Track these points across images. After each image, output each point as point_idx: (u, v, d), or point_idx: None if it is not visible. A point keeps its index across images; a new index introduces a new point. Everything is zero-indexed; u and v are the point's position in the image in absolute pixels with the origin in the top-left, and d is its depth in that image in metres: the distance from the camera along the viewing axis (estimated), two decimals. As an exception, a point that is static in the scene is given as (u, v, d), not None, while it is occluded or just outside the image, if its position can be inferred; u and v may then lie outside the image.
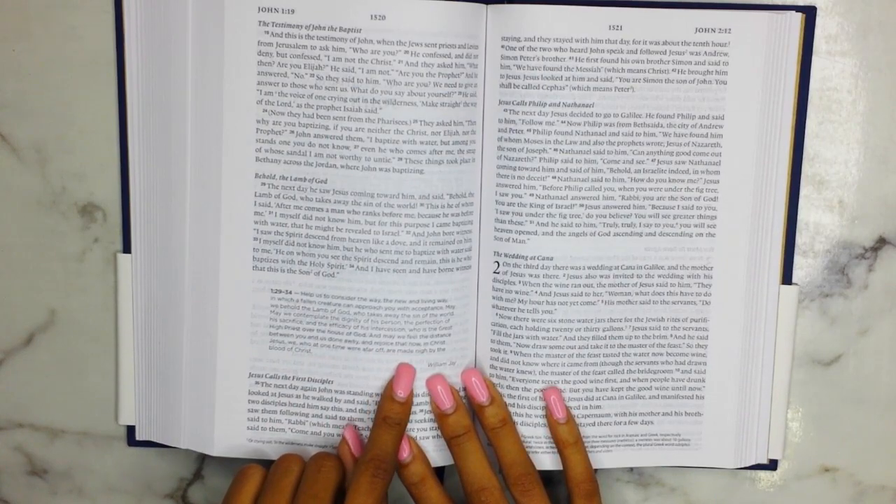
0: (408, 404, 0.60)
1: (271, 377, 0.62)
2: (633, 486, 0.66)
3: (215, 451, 0.63)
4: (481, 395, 0.61)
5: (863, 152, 0.61)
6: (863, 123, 0.61)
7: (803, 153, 0.61)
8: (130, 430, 0.65)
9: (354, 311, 0.61)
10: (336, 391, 0.62)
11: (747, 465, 0.63)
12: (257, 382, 0.62)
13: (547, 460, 0.62)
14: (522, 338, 0.61)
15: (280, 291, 0.61)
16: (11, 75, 0.62)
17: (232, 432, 0.62)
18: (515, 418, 0.62)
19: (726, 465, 0.63)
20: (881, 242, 0.62)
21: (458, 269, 0.61)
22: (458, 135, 0.59)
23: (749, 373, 0.62)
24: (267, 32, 0.58)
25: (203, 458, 0.66)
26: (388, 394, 0.60)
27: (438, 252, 0.60)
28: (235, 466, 0.65)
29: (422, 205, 0.59)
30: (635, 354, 0.62)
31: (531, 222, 0.60)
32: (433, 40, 0.58)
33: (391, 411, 0.60)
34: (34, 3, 0.61)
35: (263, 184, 0.60)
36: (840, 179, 0.62)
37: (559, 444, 0.61)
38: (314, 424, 0.62)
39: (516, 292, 0.61)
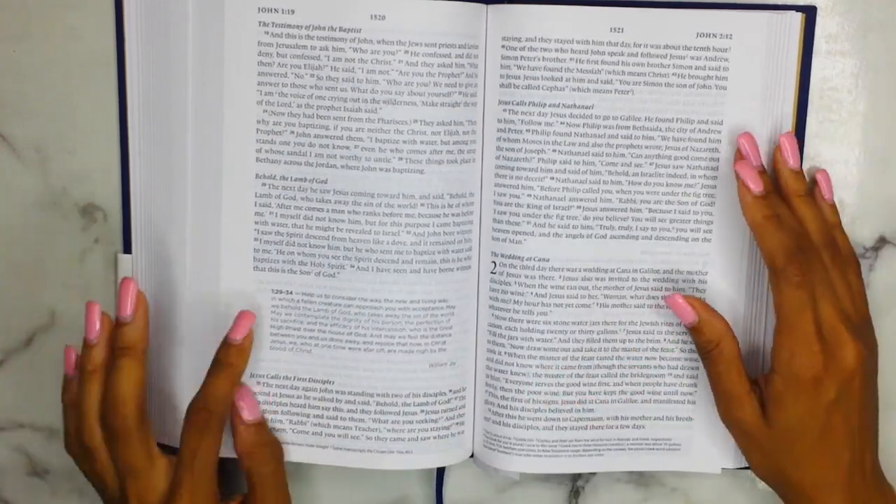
0: (244, 348, 0.61)
1: (272, 377, 0.63)
2: (633, 487, 0.67)
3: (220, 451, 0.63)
4: (790, 160, 0.60)
5: (863, 152, 0.62)
6: (863, 123, 0.62)
7: (804, 153, 0.61)
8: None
9: (355, 311, 0.62)
10: (337, 391, 0.63)
11: (747, 465, 0.63)
12: (258, 383, 0.63)
13: (546, 464, 0.63)
14: (517, 339, 0.62)
15: (281, 292, 0.62)
16: (11, 75, 0.63)
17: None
18: (508, 420, 0.63)
19: (715, 471, 0.64)
20: (882, 242, 0.63)
21: (458, 269, 0.62)
22: (458, 135, 0.60)
23: (750, 373, 0.63)
24: (267, 33, 0.59)
25: (203, 458, 0.67)
26: (225, 339, 0.61)
27: (439, 252, 0.61)
28: (236, 467, 0.66)
29: (422, 205, 0.60)
30: (629, 358, 0.63)
31: (528, 223, 0.61)
32: (433, 40, 0.59)
33: (224, 354, 0.61)
34: (34, 3, 0.62)
35: (264, 184, 0.61)
36: (840, 179, 0.62)
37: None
38: (315, 425, 0.63)
39: (512, 293, 0.62)
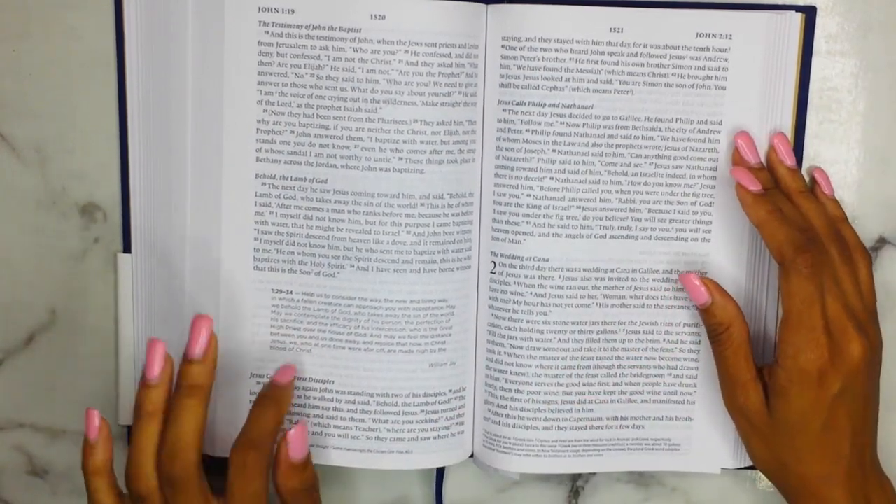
0: (290, 388, 0.59)
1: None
2: (633, 486, 0.67)
3: (217, 451, 0.64)
4: (786, 160, 0.61)
5: (863, 152, 0.62)
6: (863, 123, 0.62)
7: (803, 153, 0.62)
8: (131, 430, 0.65)
9: (355, 311, 0.62)
10: (337, 391, 0.63)
11: (747, 465, 0.64)
12: (258, 383, 0.63)
13: (546, 464, 0.64)
14: (517, 339, 0.62)
15: (281, 291, 0.63)
16: (11, 75, 0.64)
17: (233, 433, 0.62)
18: (508, 420, 0.63)
19: (714, 471, 0.65)
20: (881, 242, 0.63)
21: (458, 268, 0.62)
22: (458, 134, 0.61)
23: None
24: (267, 32, 0.60)
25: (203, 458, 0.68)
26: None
27: (439, 252, 0.62)
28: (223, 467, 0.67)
29: (422, 204, 0.61)
30: (628, 358, 0.63)
31: (528, 223, 0.61)
32: (433, 40, 0.59)
33: (272, 391, 0.59)
34: (34, 3, 0.63)
35: (264, 184, 0.61)
36: (840, 179, 0.62)
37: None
38: (315, 425, 0.64)
39: (511, 293, 0.62)
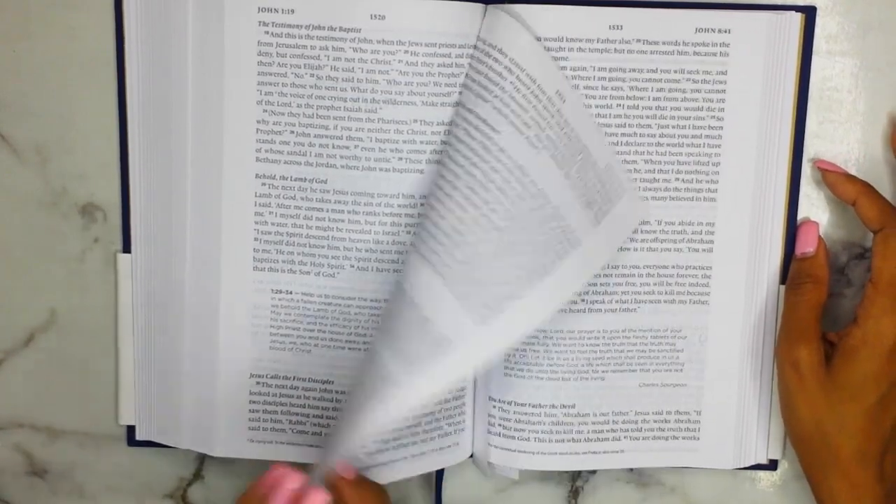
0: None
1: (272, 377, 0.64)
2: (633, 486, 0.67)
3: (216, 451, 0.64)
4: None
5: (863, 152, 0.62)
6: (863, 123, 0.62)
7: (803, 153, 0.62)
8: (130, 430, 0.66)
9: (355, 311, 0.62)
10: (337, 392, 0.63)
11: (747, 465, 0.64)
12: (258, 383, 0.64)
13: (549, 462, 0.64)
14: None
15: (280, 292, 0.63)
16: (11, 75, 0.63)
17: (233, 433, 0.64)
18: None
19: (724, 466, 0.64)
20: None
21: (458, 268, 0.63)
22: (458, 134, 0.61)
23: (749, 373, 0.63)
24: (267, 32, 0.60)
25: (203, 458, 0.67)
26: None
27: (439, 252, 0.62)
28: (236, 466, 0.67)
29: (422, 205, 0.61)
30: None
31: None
32: (433, 40, 0.59)
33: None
34: (34, 3, 0.62)
35: (264, 184, 0.61)
36: None
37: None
38: (315, 425, 0.64)
39: None
